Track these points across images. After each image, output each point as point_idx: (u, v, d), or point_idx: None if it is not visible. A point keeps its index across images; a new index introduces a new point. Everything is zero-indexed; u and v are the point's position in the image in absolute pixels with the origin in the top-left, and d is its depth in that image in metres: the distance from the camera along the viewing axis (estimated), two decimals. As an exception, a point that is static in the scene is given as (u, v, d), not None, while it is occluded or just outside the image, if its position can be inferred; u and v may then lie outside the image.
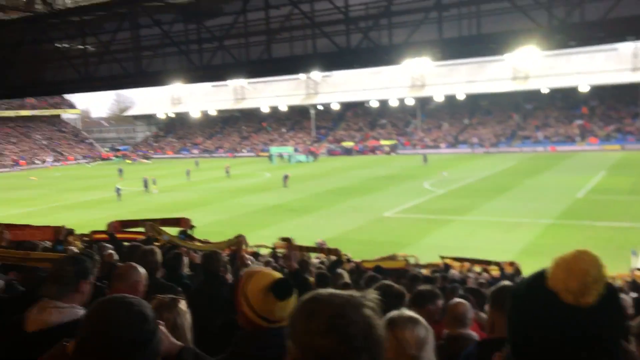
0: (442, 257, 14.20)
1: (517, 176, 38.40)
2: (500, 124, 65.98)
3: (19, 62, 13.81)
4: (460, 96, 66.61)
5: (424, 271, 11.53)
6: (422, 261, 14.51)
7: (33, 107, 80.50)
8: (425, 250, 18.09)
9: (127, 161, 70.34)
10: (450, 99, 67.90)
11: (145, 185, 39.97)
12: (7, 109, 76.48)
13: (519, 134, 63.43)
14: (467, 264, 13.97)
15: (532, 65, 61.72)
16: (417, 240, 21.43)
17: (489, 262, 13.65)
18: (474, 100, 68.43)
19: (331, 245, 12.87)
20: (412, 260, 13.41)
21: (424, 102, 70.84)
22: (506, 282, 3.36)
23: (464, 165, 48.49)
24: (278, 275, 2.36)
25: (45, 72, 13.79)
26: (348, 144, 69.72)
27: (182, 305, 2.41)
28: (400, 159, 57.86)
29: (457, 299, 3.68)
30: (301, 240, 9.82)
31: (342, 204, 30.58)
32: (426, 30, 10.75)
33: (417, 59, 12.52)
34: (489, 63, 65.19)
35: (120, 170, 51.89)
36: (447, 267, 12.49)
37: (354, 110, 76.95)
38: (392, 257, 13.76)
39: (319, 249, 11.88)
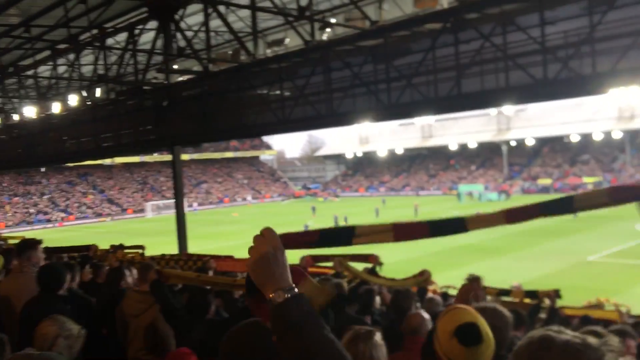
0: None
1: None
2: None
3: (224, 108, 15.25)
4: (679, 127, 59.09)
5: None
6: (635, 312, 12.81)
7: (236, 150, 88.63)
8: (638, 300, 16.00)
9: (320, 199, 73.64)
10: (666, 131, 60.51)
11: (336, 222, 41.41)
12: (214, 151, 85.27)
13: None
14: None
15: None
16: (627, 288, 19.09)
17: None
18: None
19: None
20: (623, 310, 11.89)
21: (634, 135, 63.97)
22: None
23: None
24: (472, 317, 2.19)
25: (247, 116, 15.04)
26: (545, 181, 65.37)
27: (378, 337, 2.34)
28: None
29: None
30: (493, 283, 9.25)
31: (540, 245, 28.54)
32: (636, 56, 9.69)
33: (625, 88, 11.35)
34: None
35: (314, 208, 54.47)
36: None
37: (551, 146, 72.14)
38: (599, 305, 12.35)
39: (515, 292, 11.03)
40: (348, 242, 1.60)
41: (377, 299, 5.59)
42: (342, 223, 41.23)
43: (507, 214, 1.60)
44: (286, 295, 1.36)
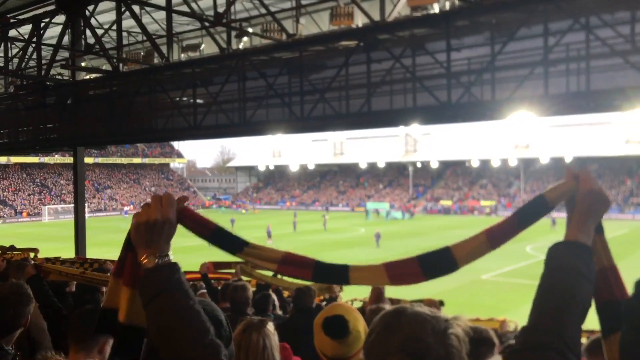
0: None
1: (629, 245, 35.69)
2: (611, 189, 62.20)
3: (134, 111, 14.80)
4: (568, 158, 63.74)
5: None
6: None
7: (144, 156, 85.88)
8: (526, 317, 17.04)
9: (242, 211, 71.65)
10: (557, 161, 65.05)
11: (269, 235, 39.29)
12: (121, 156, 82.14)
13: (632, 201, 59.34)
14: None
15: (647, 129, 58.19)
16: (517, 306, 20.21)
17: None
18: (582, 163, 65.11)
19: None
20: (511, 327, 12.59)
21: (528, 163, 68.37)
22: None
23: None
24: (342, 311, 2.26)
25: (157, 120, 14.67)
26: (446, 202, 68.27)
27: (270, 327, 2.39)
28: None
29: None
30: (399, 297, 9.51)
31: (438, 263, 29.70)
32: (531, 86, 10.40)
33: (522, 119, 12.15)
34: (599, 125, 62.27)
35: (233, 221, 51.63)
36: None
37: (454, 169, 75.63)
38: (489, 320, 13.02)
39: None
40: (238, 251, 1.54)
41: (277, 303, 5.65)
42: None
43: (489, 239, 1.53)
44: (157, 261, 1.34)
